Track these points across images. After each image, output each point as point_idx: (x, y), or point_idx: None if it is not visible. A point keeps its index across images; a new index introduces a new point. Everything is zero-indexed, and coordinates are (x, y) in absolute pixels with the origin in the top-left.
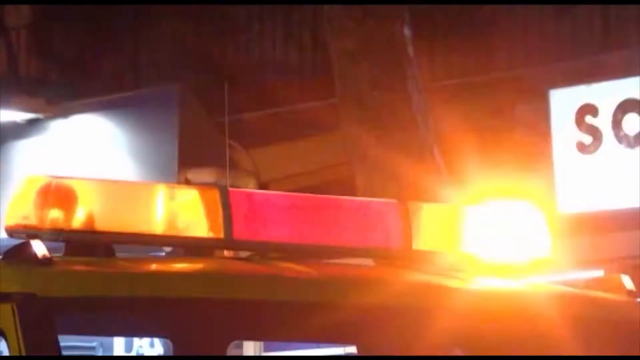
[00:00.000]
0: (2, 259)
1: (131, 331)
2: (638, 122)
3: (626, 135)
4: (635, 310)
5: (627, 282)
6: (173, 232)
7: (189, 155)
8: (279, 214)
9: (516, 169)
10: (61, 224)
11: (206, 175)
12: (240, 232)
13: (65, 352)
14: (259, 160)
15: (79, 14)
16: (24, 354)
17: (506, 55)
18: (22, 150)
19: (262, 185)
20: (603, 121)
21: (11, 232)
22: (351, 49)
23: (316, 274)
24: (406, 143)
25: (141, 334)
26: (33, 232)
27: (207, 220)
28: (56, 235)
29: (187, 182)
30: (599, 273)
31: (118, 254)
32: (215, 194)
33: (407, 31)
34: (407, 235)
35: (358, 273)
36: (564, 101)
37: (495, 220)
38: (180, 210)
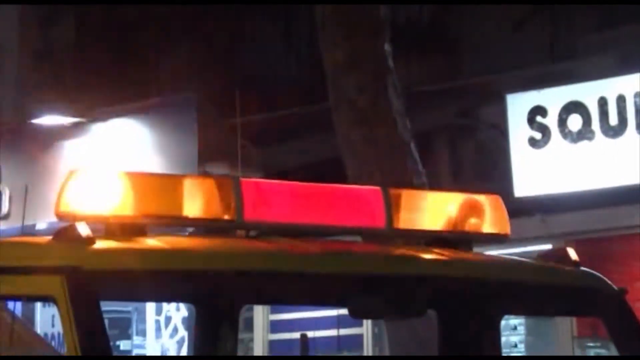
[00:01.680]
0: (53, 238)
1: (160, 298)
2: (580, 121)
3: (570, 132)
4: (580, 277)
5: (572, 254)
6: (194, 215)
7: (206, 151)
8: (283, 200)
9: (480, 161)
10: (101, 209)
11: (221, 168)
12: (250, 215)
13: (105, 316)
14: (265, 155)
15: (113, 35)
16: (72, 317)
17: (471, 65)
18: (68, 148)
19: (268, 176)
20: (551, 120)
21: (61, 216)
22: (342, 61)
23: (313, 249)
24: (388, 139)
25: (169, 300)
26: (79, 216)
27: (222, 205)
28: (97, 219)
29: (206, 174)
30: (547, 247)
31: (148, 234)
32: (229, 183)
33: (387, 47)
34: (389, 216)
35: (348, 248)
36: (518, 104)
37: (462, 203)
38: (200, 197)
